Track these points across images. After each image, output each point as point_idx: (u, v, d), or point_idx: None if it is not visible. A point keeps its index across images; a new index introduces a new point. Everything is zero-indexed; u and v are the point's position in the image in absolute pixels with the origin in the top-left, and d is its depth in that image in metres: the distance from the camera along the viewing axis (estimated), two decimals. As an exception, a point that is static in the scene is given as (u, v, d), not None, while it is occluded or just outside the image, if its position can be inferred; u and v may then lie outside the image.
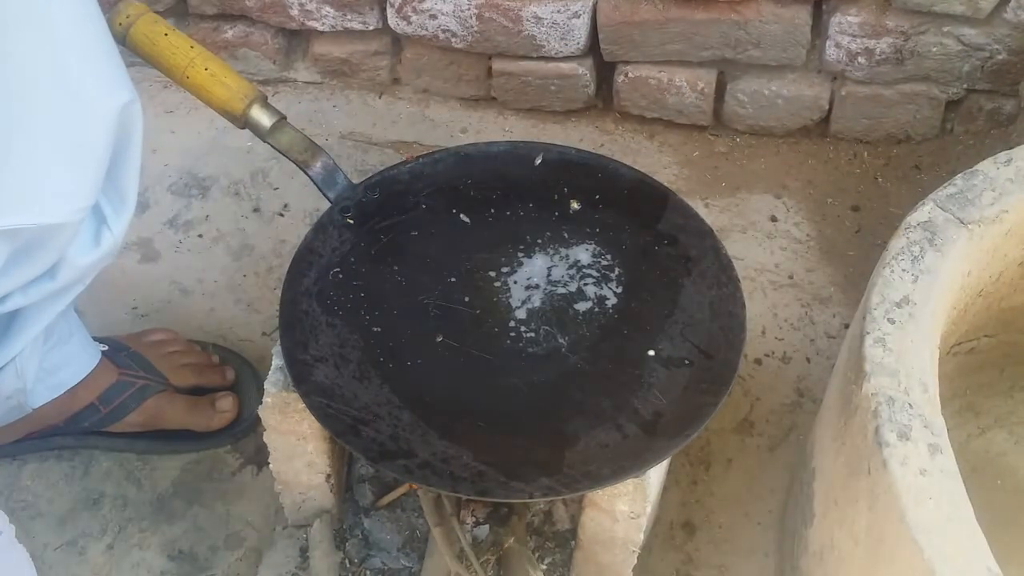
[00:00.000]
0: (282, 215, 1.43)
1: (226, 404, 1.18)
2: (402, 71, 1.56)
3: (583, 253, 1.01)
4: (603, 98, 1.54)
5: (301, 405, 0.91)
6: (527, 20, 1.41)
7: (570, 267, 0.99)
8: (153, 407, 1.15)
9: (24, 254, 0.86)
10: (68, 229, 0.88)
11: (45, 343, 1.02)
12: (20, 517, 1.12)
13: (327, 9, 1.47)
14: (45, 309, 0.96)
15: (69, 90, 0.82)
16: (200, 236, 1.40)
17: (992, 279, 0.99)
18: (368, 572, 1.04)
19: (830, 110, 1.48)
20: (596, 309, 0.97)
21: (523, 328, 0.96)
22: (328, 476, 1.02)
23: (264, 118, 1.03)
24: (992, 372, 1.12)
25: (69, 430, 1.14)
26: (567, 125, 1.54)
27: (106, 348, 1.14)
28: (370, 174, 1.09)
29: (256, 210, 1.43)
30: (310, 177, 1.04)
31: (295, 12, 1.47)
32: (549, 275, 0.99)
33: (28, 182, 0.82)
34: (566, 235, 1.03)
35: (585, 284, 0.98)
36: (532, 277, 0.99)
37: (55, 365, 1.06)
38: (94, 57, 0.84)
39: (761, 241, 1.40)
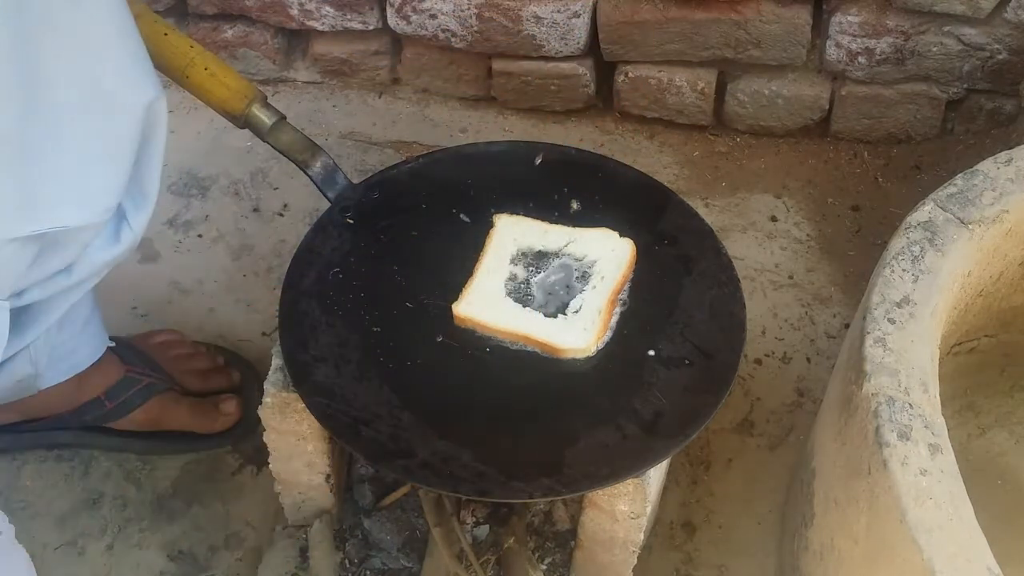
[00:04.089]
0: (282, 215, 1.43)
1: (230, 407, 1.18)
2: (402, 71, 1.56)
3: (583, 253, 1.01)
4: (603, 98, 1.54)
5: (301, 405, 0.91)
6: (527, 20, 1.41)
7: (570, 266, 0.99)
8: (158, 406, 1.15)
9: (49, 251, 0.85)
10: (93, 229, 0.87)
11: (60, 330, 1.01)
12: (20, 517, 1.12)
13: (327, 9, 1.46)
14: (61, 301, 0.95)
15: (97, 90, 0.81)
16: (200, 236, 1.40)
17: (992, 279, 0.99)
18: (368, 572, 1.04)
19: (830, 110, 1.48)
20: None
21: (523, 328, 0.95)
22: (328, 476, 1.02)
23: (264, 118, 1.03)
24: (992, 372, 1.12)
25: (72, 423, 1.14)
26: (567, 125, 1.54)
27: (113, 345, 1.14)
28: (370, 174, 1.09)
29: (256, 210, 1.43)
30: (310, 177, 1.04)
31: (295, 12, 1.47)
32: (549, 275, 0.99)
33: (59, 186, 0.81)
34: (566, 235, 1.03)
35: (585, 284, 0.97)
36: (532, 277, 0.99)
37: (69, 349, 1.06)
38: (121, 55, 0.83)
39: (761, 241, 1.40)
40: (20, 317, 0.91)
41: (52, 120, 0.78)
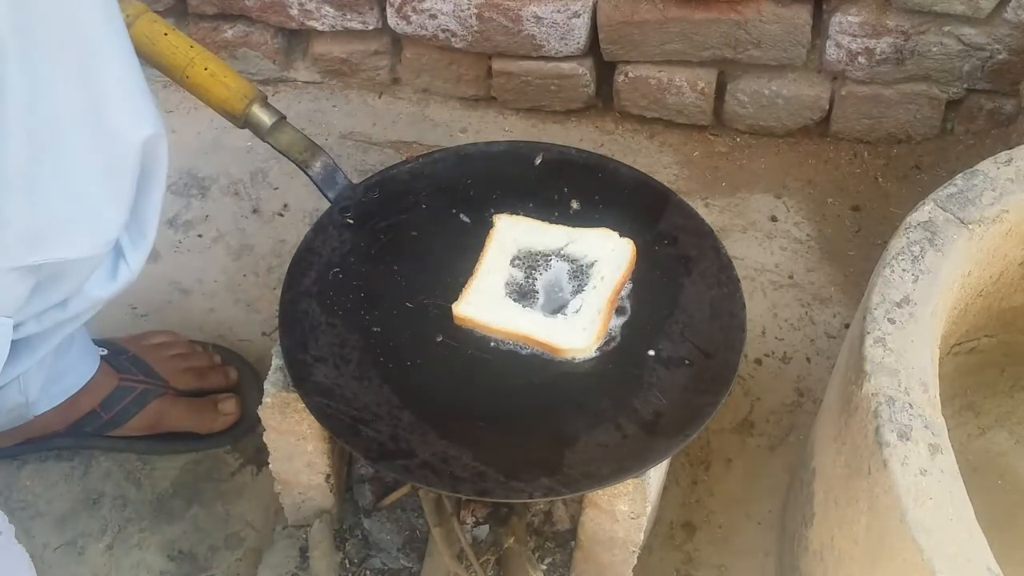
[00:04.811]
0: (282, 215, 1.43)
1: (229, 406, 1.18)
2: (402, 71, 1.56)
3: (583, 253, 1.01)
4: (603, 98, 1.54)
5: (301, 405, 0.91)
6: (527, 20, 1.41)
7: (570, 266, 0.99)
8: (155, 411, 1.15)
9: (45, 286, 0.86)
10: (92, 262, 0.88)
11: (52, 358, 1.02)
12: (20, 517, 1.12)
13: (327, 9, 1.46)
14: (55, 334, 0.95)
15: (99, 124, 0.82)
16: (200, 236, 1.40)
17: (992, 279, 0.99)
18: (368, 572, 1.04)
19: (830, 110, 1.48)
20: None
21: (523, 328, 0.95)
22: (328, 476, 1.02)
23: (264, 118, 1.03)
24: (992, 372, 1.12)
25: (70, 434, 1.14)
26: (567, 125, 1.54)
27: (105, 352, 1.14)
28: (370, 174, 1.09)
29: (256, 210, 1.43)
30: (310, 177, 1.04)
31: (295, 12, 1.47)
32: (549, 275, 0.99)
33: (57, 217, 0.81)
34: (566, 235, 1.03)
35: (585, 284, 0.97)
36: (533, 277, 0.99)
37: (57, 373, 1.06)
38: (124, 90, 0.84)
39: (761, 241, 1.40)
40: (13, 349, 0.91)
41: (57, 154, 0.79)
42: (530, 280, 0.98)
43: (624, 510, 0.91)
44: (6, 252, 0.79)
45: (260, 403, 0.95)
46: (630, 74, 1.47)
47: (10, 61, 0.72)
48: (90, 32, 0.79)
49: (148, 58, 1.00)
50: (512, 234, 1.00)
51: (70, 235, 0.83)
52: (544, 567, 1.03)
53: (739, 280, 0.99)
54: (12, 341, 0.87)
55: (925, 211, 0.91)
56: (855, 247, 1.39)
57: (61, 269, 0.85)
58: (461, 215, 1.04)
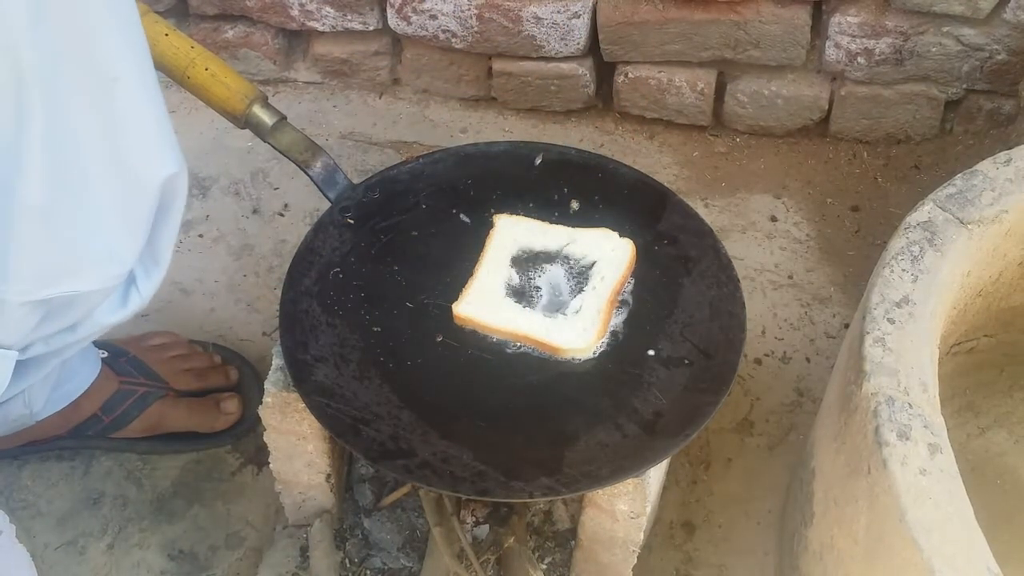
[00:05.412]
0: (282, 215, 1.43)
1: (231, 406, 1.18)
2: (402, 71, 1.56)
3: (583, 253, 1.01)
4: (603, 98, 1.54)
5: (301, 405, 0.91)
6: (527, 20, 1.41)
7: (570, 266, 0.99)
8: (156, 413, 1.15)
9: (55, 314, 0.85)
10: (104, 293, 0.87)
11: (56, 371, 1.02)
12: (20, 517, 1.12)
13: (327, 9, 1.47)
14: (62, 353, 0.95)
15: (119, 161, 0.81)
16: (200, 236, 1.40)
17: (992, 279, 0.99)
18: (368, 572, 1.04)
19: (830, 110, 1.48)
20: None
21: (523, 328, 0.95)
22: (328, 476, 1.02)
23: (264, 118, 1.03)
24: (992, 372, 1.12)
25: (72, 438, 1.15)
26: (567, 125, 1.54)
27: (106, 355, 1.14)
28: (370, 174, 1.09)
29: (256, 210, 1.43)
30: (310, 177, 1.04)
31: (295, 12, 1.47)
32: (549, 275, 0.99)
33: (73, 253, 0.81)
34: (566, 235, 1.03)
35: (585, 284, 0.98)
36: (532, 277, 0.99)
37: (59, 380, 1.07)
38: (147, 129, 0.83)
39: (761, 241, 1.40)
40: (20, 365, 0.91)
41: (76, 192, 0.79)
42: (530, 280, 0.98)
43: (624, 510, 0.91)
44: (20, 287, 0.78)
45: (260, 403, 0.95)
46: (630, 74, 1.47)
47: (33, 94, 0.71)
48: (118, 73, 0.78)
49: (149, 58, 1.00)
50: (512, 234, 1.00)
51: (84, 269, 0.82)
52: (544, 567, 1.03)
53: (739, 280, 0.99)
54: (19, 361, 0.87)
55: (924, 211, 0.91)
56: (854, 247, 1.39)
57: (72, 300, 0.84)
58: (461, 215, 1.04)
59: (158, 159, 0.84)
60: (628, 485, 0.88)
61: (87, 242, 0.81)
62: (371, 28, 1.49)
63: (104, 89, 0.77)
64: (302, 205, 1.43)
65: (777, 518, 1.14)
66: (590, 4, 1.40)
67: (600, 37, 1.44)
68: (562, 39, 1.43)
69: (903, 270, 0.87)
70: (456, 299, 0.95)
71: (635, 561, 0.98)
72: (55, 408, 1.09)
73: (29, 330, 0.83)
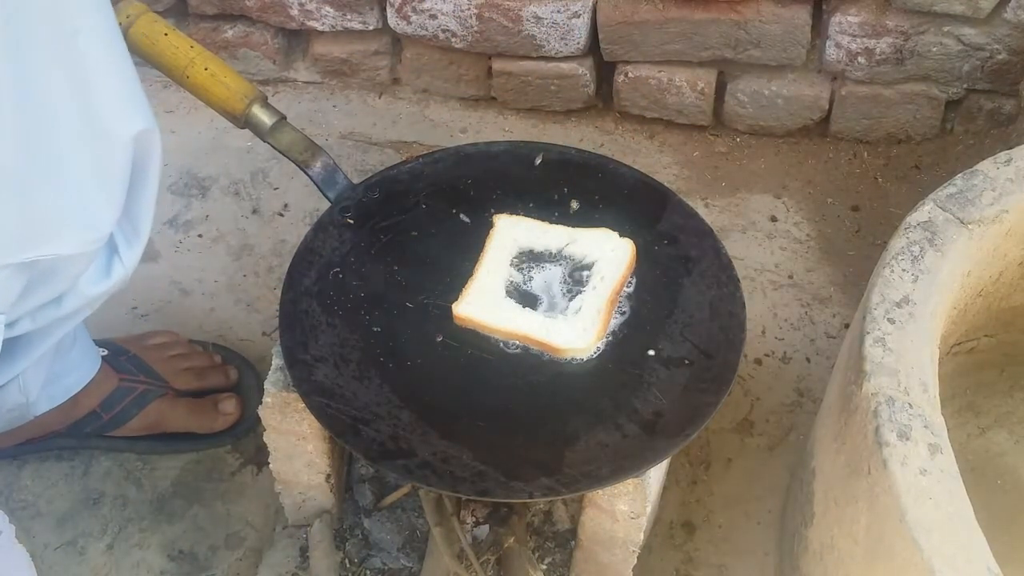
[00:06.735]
0: (282, 215, 1.43)
1: (230, 406, 1.18)
2: (402, 71, 1.56)
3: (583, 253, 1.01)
4: (603, 98, 1.54)
5: (301, 405, 0.91)
6: (527, 20, 1.41)
7: (570, 267, 0.99)
8: (155, 412, 1.15)
9: (39, 282, 0.85)
10: (85, 258, 0.87)
11: (51, 357, 1.02)
12: (20, 517, 1.12)
13: (327, 9, 1.47)
14: (52, 332, 0.95)
15: (91, 120, 0.81)
16: (200, 236, 1.40)
17: (992, 279, 0.99)
18: (368, 572, 1.04)
19: (830, 110, 1.48)
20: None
21: (523, 328, 0.95)
22: (328, 476, 1.02)
23: (264, 118, 1.03)
24: (992, 372, 1.12)
25: (70, 435, 1.14)
26: (567, 125, 1.54)
27: (106, 353, 1.14)
28: (370, 174, 1.09)
29: (256, 210, 1.43)
30: (310, 177, 1.04)
31: (295, 12, 1.47)
32: (549, 275, 0.99)
33: (49, 214, 0.81)
34: (566, 235, 1.03)
35: (585, 284, 0.98)
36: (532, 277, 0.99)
37: (57, 373, 1.06)
38: (115, 85, 0.83)
39: (761, 241, 1.40)
40: (10, 347, 0.91)
41: (48, 150, 0.78)
42: (530, 280, 0.98)
43: (624, 510, 0.91)
44: (1, 249, 0.78)
45: (260, 403, 0.95)
46: (630, 74, 1.47)
47: (1, 64, 0.71)
48: (79, 25, 0.78)
49: (148, 58, 1.00)
50: (512, 234, 1.00)
51: (62, 231, 0.82)
52: (544, 567, 1.03)
53: (739, 280, 0.99)
54: (9, 339, 0.86)
55: (925, 211, 0.91)
56: (855, 247, 1.39)
57: (54, 266, 0.84)
58: (461, 215, 1.04)
59: (128, 114, 0.84)
60: (628, 485, 0.88)
61: (62, 203, 0.81)
62: (371, 28, 1.49)
63: (67, 44, 0.77)
64: (302, 205, 1.43)
65: (777, 518, 1.14)
66: (590, 4, 1.40)
67: (600, 37, 1.43)
68: (562, 39, 1.43)
69: (903, 270, 0.87)
70: (456, 299, 0.95)
71: (635, 561, 0.98)
72: (54, 403, 1.08)
73: (14, 297, 0.83)
